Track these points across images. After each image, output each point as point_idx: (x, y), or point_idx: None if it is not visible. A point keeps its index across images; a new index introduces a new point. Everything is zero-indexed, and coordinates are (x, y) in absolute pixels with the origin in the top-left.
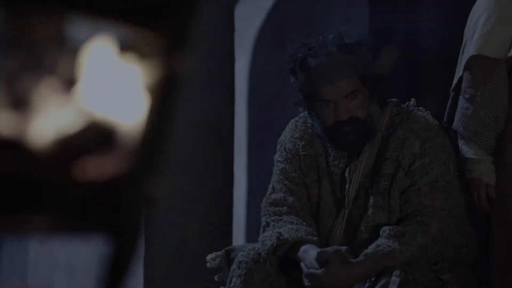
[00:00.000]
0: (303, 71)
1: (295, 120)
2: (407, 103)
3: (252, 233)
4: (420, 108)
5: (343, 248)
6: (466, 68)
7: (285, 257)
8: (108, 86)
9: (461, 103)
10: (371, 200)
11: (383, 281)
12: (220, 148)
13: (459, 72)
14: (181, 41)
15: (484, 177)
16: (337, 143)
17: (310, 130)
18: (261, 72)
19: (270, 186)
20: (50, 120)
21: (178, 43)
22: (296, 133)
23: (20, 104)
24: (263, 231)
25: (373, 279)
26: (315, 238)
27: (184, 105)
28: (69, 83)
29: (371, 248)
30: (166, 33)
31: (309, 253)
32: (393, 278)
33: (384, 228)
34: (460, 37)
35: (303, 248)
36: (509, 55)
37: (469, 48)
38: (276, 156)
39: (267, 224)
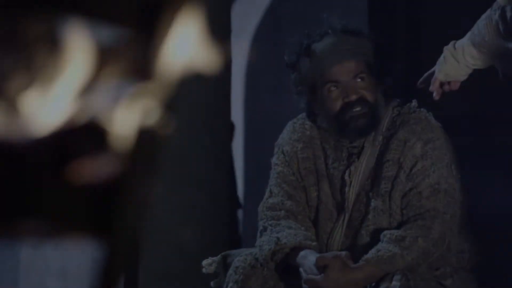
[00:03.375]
0: (307, 58)
1: (293, 122)
2: (408, 104)
3: (249, 238)
4: (422, 109)
5: (343, 253)
6: None
7: (283, 262)
8: (101, 87)
9: None
10: (371, 203)
11: (383, 286)
12: (216, 150)
13: None
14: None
15: None
16: (346, 128)
17: (308, 132)
18: (258, 73)
19: (268, 190)
20: (42, 121)
21: (173, 43)
22: (294, 135)
23: (11, 105)
24: (261, 236)
25: (373, 284)
26: (314, 243)
27: (179, 106)
28: (62, 83)
29: (371, 253)
30: (162, 34)
31: (308, 258)
32: (393, 283)
33: (385, 232)
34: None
35: (301, 253)
36: None
37: None
38: (274, 159)
39: (265, 229)
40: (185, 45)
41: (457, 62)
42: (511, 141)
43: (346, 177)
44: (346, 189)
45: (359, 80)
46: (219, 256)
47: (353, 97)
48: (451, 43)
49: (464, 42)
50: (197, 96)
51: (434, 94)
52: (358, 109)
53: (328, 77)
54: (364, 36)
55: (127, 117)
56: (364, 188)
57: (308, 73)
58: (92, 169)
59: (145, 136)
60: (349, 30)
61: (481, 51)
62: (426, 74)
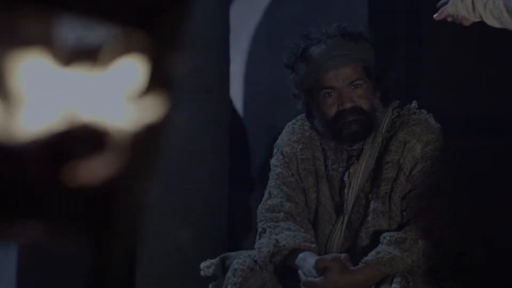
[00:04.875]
0: (304, 61)
1: (292, 123)
2: (408, 105)
3: (248, 240)
4: (422, 110)
5: (342, 255)
6: None
7: (282, 264)
8: (99, 88)
9: None
10: (371, 205)
11: None
12: (215, 152)
13: None
14: (175, 41)
15: None
16: (339, 134)
17: (307, 133)
18: (257, 74)
19: (267, 191)
20: (38, 122)
21: (171, 43)
22: (293, 136)
23: (7, 105)
24: (259, 238)
25: (373, 287)
26: (313, 245)
27: (177, 107)
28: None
29: (371, 255)
30: (159, 33)
31: (307, 261)
32: (393, 285)
33: (385, 234)
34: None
35: (300, 255)
36: None
37: None
38: (273, 161)
39: (264, 231)
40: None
41: (472, 8)
42: None
43: (346, 178)
44: (346, 190)
45: (355, 87)
46: (217, 258)
47: (348, 105)
48: None
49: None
50: (195, 97)
51: (435, 16)
52: (352, 118)
53: (324, 82)
54: (364, 39)
55: (126, 118)
56: (363, 190)
57: (305, 77)
58: (90, 170)
59: (143, 137)
60: (347, 34)
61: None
62: (441, 3)
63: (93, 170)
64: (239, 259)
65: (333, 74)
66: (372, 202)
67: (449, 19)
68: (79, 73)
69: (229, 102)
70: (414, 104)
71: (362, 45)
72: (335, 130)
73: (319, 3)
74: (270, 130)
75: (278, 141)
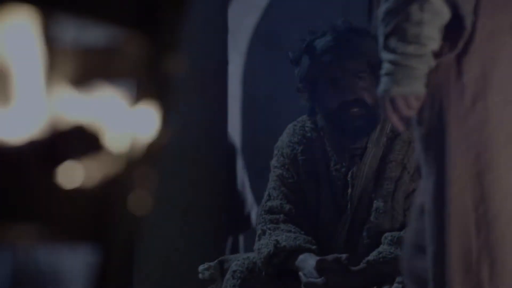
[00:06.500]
0: (309, 53)
1: (293, 124)
2: None
3: (246, 243)
4: None
5: (343, 255)
6: None
7: (282, 265)
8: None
9: None
10: (373, 204)
11: None
12: (212, 154)
13: None
14: (172, 42)
15: None
16: (343, 129)
17: (308, 134)
18: (255, 74)
19: (266, 193)
20: (34, 123)
21: (169, 44)
22: (294, 138)
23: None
24: (259, 240)
25: (374, 287)
26: (313, 247)
27: (175, 109)
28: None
29: (372, 255)
30: (158, 33)
31: (307, 262)
32: (395, 285)
33: (386, 234)
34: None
35: (301, 256)
36: None
37: None
38: (273, 162)
39: (263, 232)
40: None
41: None
42: None
43: (349, 178)
44: (349, 190)
45: (358, 79)
46: (215, 261)
47: (350, 97)
48: None
49: None
50: (193, 98)
51: None
52: (355, 109)
53: (327, 75)
54: (369, 36)
55: (124, 119)
56: (366, 189)
57: (310, 68)
58: (87, 172)
59: (141, 139)
60: (353, 28)
61: None
62: None
63: (91, 171)
64: (238, 261)
65: (336, 66)
66: (374, 201)
67: None
68: (78, 73)
69: (227, 102)
70: None
71: (367, 40)
72: (338, 124)
73: (317, 4)
74: (268, 130)
75: (279, 143)
